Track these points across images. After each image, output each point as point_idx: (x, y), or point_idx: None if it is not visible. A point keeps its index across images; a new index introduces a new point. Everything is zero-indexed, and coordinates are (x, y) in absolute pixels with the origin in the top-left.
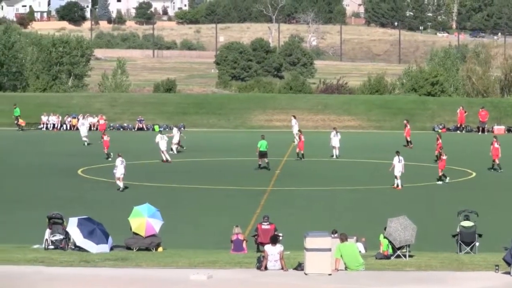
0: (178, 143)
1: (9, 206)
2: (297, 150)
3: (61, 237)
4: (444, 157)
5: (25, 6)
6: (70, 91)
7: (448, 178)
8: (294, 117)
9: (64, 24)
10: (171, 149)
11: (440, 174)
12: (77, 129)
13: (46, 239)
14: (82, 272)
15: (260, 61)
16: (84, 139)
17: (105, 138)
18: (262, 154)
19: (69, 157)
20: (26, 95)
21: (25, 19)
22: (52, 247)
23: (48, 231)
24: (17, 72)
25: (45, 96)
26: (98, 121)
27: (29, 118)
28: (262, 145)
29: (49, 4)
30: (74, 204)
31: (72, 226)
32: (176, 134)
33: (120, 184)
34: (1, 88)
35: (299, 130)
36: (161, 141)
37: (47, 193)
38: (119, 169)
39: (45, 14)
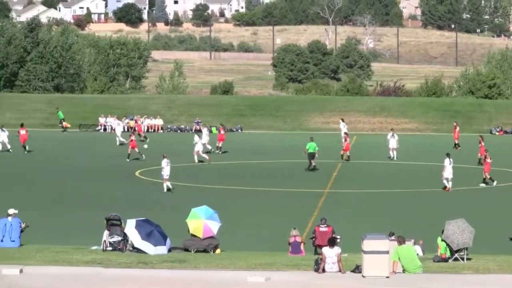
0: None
1: (68, 208)
2: (342, 152)
3: (119, 238)
4: (489, 160)
5: (82, 8)
6: (127, 93)
7: (495, 182)
8: (342, 120)
9: (121, 26)
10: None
11: (487, 177)
12: (135, 130)
13: (104, 241)
14: (140, 273)
15: (317, 63)
16: (121, 139)
17: (133, 138)
18: (311, 156)
19: (126, 159)
20: (84, 97)
21: (82, 20)
22: (110, 248)
23: (106, 232)
24: (75, 74)
25: (103, 98)
26: (134, 121)
27: (86, 119)
28: (311, 146)
29: (106, 6)
30: (132, 205)
31: (130, 228)
32: (206, 135)
33: (168, 185)
34: (59, 90)
35: (345, 133)
36: (199, 142)
37: (105, 195)
38: (165, 170)
39: (102, 16)
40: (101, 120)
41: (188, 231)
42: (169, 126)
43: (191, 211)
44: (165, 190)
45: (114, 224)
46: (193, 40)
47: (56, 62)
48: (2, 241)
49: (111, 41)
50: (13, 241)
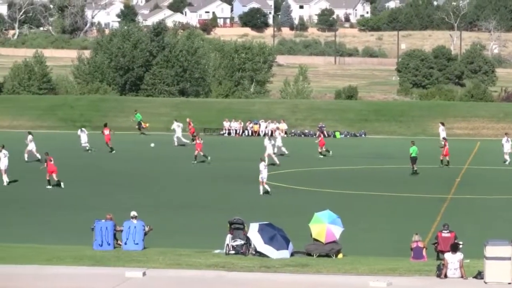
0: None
1: (192, 211)
2: (441, 157)
3: (242, 242)
4: None
5: (208, 12)
6: (252, 97)
7: None
8: (442, 124)
9: (247, 30)
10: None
11: None
12: (259, 135)
13: (227, 244)
14: (262, 277)
15: (441, 68)
16: (185, 140)
17: (198, 141)
18: (413, 160)
19: (250, 163)
20: (209, 101)
21: (208, 25)
22: (233, 252)
23: (229, 236)
24: (199, 78)
25: (227, 102)
26: (188, 124)
27: (211, 123)
28: (414, 151)
29: (232, 10)
30: (255, 209)
31: (253, 232)
32: (279, 138)
33: (266, 187)
34: (184, 94)
35: (444, 138)
36: (268, 145)
37: (228, 199)
38: (263, 173)
39: (227, 20)
40: (225, 124)
41: (311, 235)
42: (293, 131)
43: (314, 216)
44: (261, 193)
45: (237, 227)
46: (318, 44)
47: (182, 66)
48: (126, 243)
49: (236, 46)
50: (137, 244)
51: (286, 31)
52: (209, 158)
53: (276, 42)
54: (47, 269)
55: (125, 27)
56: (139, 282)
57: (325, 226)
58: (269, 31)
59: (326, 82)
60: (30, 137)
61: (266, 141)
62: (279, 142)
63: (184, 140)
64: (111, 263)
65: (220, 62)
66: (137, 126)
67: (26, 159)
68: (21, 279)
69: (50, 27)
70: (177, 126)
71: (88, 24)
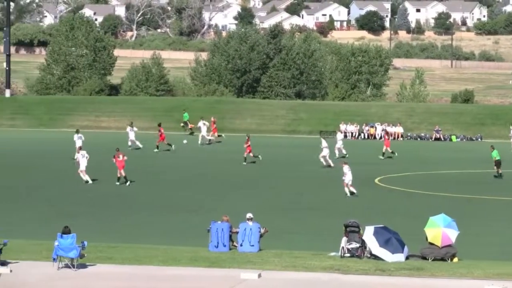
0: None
1: (306, 213)
2: None
3: (357, 245)
4: None
5: (325, 15)
6: (368, 100)
7: None
8: None
9: (363, 33)
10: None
11: None
12: (375, 138)
13: (343, 247)
14: (377, 280)
15: None
16: (209, 137)
17: (248, 143)
18: (497, 163)
19: (367, 166)
20: (325, 104)
21: (325, 28)
22: (348, 255)
23: (344, 239)
24: (316, 80)
25: (344, 105)
26: (212, 123)
27: (327, 126)
28: (496, 154)
29: (349, 13)
30: (371, 212)
31: (369, 235)
32: (340, 139)
33: (353, 190)
34: (301, 96)
35: None
36: (325, 148)
37: (344, 201)
38: (348, 176)
39: (344, 23)
40: (342, 127)
41: (426, 239)
42: (409, 134)
43: (429, 220)
44: (349, 194)
45: (353, 230)
46: (434, 48)
47: (298, 68)
48: (241, 245)
49: (353, 48)
50: (252, 245)
51: (402, 34)
52: (260, 157)
53: (392, 45)
54: (163, 270)
55: (242, 30)
56: (255, 284)
57: (440, 230)
58: (386, 34)
59: (443, 85)
60: (76, 135)
61: (324, 143)
62: (339, 144)
63: (208, 137)
64: (227, 264)
65: (336, 65)
66: (182, 125)
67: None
68: (138, 280)
69: (168, 29)
70: (202, 125)
71: (206, 26)
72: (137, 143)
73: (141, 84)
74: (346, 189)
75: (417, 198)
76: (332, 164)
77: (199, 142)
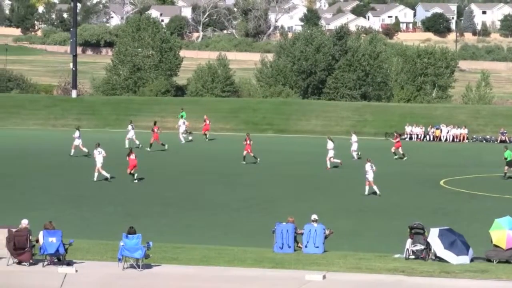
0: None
1: (371, 216)
2: None
3: (422, 247)
4: None
5: (391, 16)
6: (433, 102)
7: None
8: None
9: (429, 35)
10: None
11: None
12: (440, 140)
13: (407, 249)
14: (442, 283)
15: None
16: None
17: (248, 142)
18: (508, 163)
19: (432, 168)
20: (390, 105)
21: (391, 29)
22: (413, 257)
23: (409, 241)
24: (381, 82)
25: (409, 107)
26: (204, 121)
27: (393, 128)
28: (509, 155)
29: (414, 15)
30: (436, 214)
31: (433, 237)
32: (355, 142)
33: (375, 188)
34: (366, 98)
35: None
36: (330, 150)
37: (409, 203)
38: (369, 174)
39: (410, 25)
40: (407, 129)
41: (491, 241)
42: (474, 136)
43: (494, 222)
44: (366, 193)
45: (418, 232)
46: (500, 50)
47: (364, 70)
48: (306, 246)
49: (419, 50)
50: (317, 247)
51: (468, 36)
52: (258, 159)
53: (458, 47)
54: (229, 271)
55: (308, 31)
56: (319, 285)
57: (505, 232)
58: (452, 36)
59: (509, 88)
60: (77, 133)
61: (330, 145)
62: (354, 146)
63: (183, 136)
64: (291, 265)
65: (402, 67)
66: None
67: (87, 151)
68: (204, 280)
69: (234, 30)
70: (182, 123)
71: (272, 28)
72: (137, 142)
73: (207, 85)
74: (367, 187)
75: (482, 200)
76: (338, 160)
77: (183, 140)
